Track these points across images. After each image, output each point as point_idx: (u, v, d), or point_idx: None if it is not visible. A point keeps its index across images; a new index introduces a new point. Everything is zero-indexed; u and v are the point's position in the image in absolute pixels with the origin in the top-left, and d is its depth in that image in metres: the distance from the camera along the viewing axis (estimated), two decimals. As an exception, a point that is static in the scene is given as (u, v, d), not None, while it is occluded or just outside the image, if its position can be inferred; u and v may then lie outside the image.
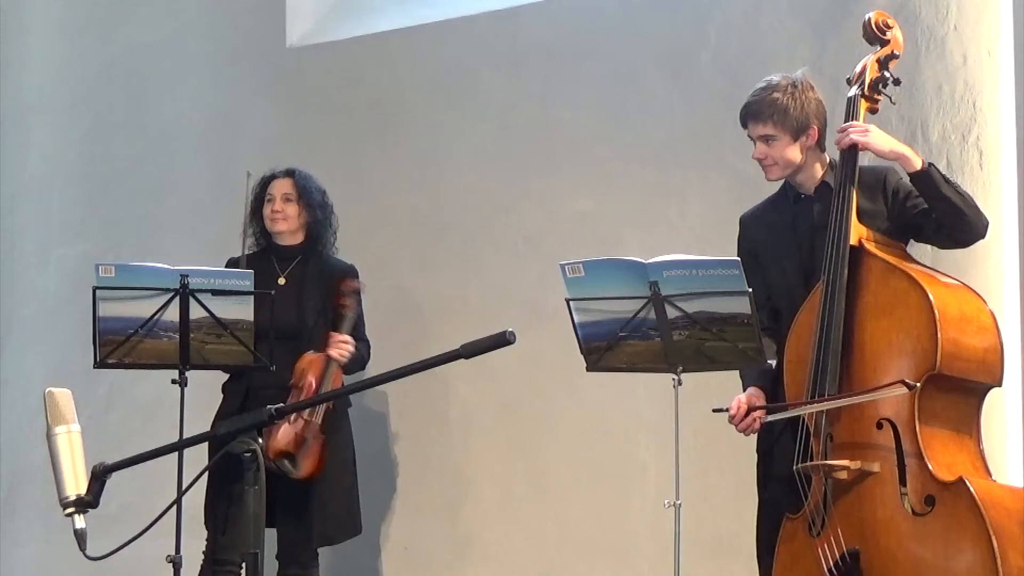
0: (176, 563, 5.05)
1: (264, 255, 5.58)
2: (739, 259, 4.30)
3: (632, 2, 5.88)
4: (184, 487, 5.03)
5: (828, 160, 4.40)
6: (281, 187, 5.59)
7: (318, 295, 5.48)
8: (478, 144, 6.17)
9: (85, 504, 2.92)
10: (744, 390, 4.40)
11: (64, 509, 2.94)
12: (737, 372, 4.48)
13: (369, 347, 5.64)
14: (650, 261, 4.31)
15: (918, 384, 3.97)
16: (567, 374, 5.31)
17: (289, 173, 5.62)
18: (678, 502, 4.38)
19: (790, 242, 4.41)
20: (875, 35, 4.34)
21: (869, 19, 4.35)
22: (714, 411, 4.34)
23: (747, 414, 4.29)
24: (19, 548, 7.23)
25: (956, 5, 5.08)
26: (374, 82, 6.46)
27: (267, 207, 5.58)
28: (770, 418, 4.29)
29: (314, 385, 5.30)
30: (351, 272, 5.59)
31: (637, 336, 4.34)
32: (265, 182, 5.63)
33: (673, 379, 4.37)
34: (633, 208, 5.75)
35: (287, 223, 5.57)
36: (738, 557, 5.30)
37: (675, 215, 5.65)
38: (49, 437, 2.97)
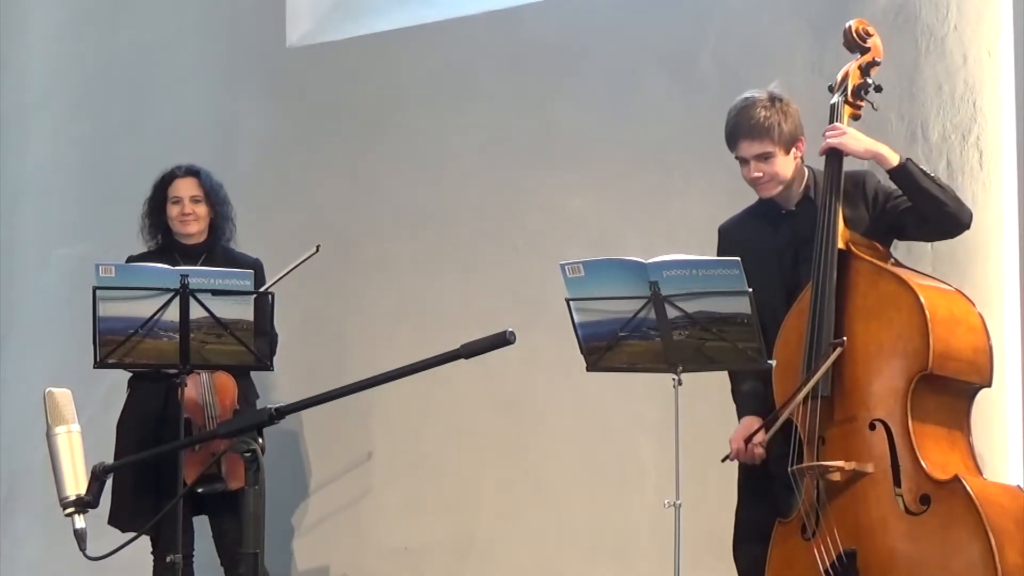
0: (176, 563, 5.05)
1: (166, 252, 5.54)
2: (739, 259, 4.29)
3: (632, 2, 5.87)
4: (184, 487, 5.04)
5: (807, 173, 4.41)
6: (187, 188, 5.56)
7: None
8: (478, 144, 6.17)
9: (85, 504, 2.91)
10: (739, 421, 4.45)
11: (64, 509, 2.93)
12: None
13: (274, 341, 5.49)
14: (650, 261, 4.31)
15: (844, 339, 4.03)
16: (567, 374, 5.31)
17: (193, 172, 5.59)
18: (678, 502, 4.38)
19: (771, 256, 4.42)
20: (856, 43, 4.38)
21: (850, 27, 4.38)
22: (722, 461, 4.38)
23: (747, 445, 4.33)
24: (19, 548, 7.23)
25: (956, 5, 5.08)
26: (374, 82, 6.45)
27: (173, 208, 5.55)
28: (769, 434, 4.32)
29: (198, 405, 5.29)
30: (257, 266, 5.54)
31: (637, 336, 4.34)
32: (166, 181, 5.59)
33: (673, 379, 4.37)
34: (633, 208, 5.75)
35: (197, 224, 5.56)
36: (738, 557, 5.30)
37: (675, 215, 5.65)
38: (49, 437, 2.97)
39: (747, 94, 4.38)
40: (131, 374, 5.47)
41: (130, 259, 5.51)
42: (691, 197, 5.63)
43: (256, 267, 5.51)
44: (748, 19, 5.56)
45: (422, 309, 6.22)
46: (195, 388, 5.29)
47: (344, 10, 6.79)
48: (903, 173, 4.20)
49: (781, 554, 4.20)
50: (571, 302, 4.38)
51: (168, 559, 5.05)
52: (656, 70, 5.75)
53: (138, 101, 7.11)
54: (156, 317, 5.00)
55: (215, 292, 5.01)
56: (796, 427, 4.14)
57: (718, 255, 4.54)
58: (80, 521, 2.93)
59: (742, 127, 4.33)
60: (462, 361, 2.72)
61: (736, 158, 4.40)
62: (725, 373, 4.52)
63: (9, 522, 7.30)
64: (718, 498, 5.33)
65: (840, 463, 4.05)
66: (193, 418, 5.26)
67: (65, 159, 7.33)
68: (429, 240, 6.26)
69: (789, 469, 4.14)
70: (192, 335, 5.02)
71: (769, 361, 4.38)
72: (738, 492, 4.50)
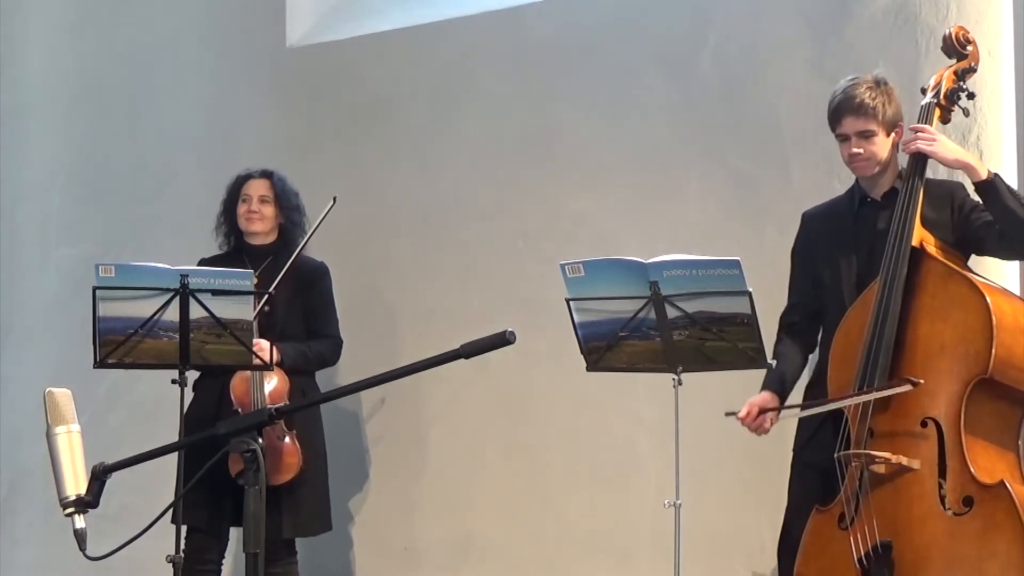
0: (176, 563, 5.05)
1: (236, 255, 5.59)
2: (738, 259, 4.30)
3: (632, 2, 5.87)
4: (184, 487, 5.04)
5: (897, 167, 4.42)
6: (258, 188, 5.61)
7: (290, 293, 5.45)
8: (478, 144, 6.17)
9: (85, 504, 2.92)
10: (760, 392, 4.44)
11: (64, 509, 2.94)
12: (737, 372, 4.49)
13: (335, 344, 5.60)
14: (650, 261, 4.31)
15: (921, 380, 4.01)
16: (567, 374, 5.31)
17: (266, 175, 5.65)
18: (678, 502, 4.39)
19: (850, 244, 4.41)
20: (955, 48, 4.43)
21: (950, 33, 4.43)
22: (726, 415, 4.36)
23: (758, 416, 4.32)
24: (19, 548, 7.23)
25: (956, 5, 5.08)
26: (374, 82, 6.46)
27: (242, 206, 5.61)
28: (786, 416, 4.30)
29: (246, 400, 5.29)
30: (322, 269, 5.61)
31: (637, 336, 4.35)
32: (240, 182, 5.65)
33: (673, 379, 4.38)
34: (633, 208, 5.75)
35: (263, 223, 5.59)
36: (738, 557, 5.31)
37: (675, 215, 5.65)
38: (49, 437, 2.97)
39: (852, 77, 4.40)
40: (198, 374, 5.47)
41: (202, 262, 5.54)
42: (691, 197, 5.63)
43: (322, 270, 5.61)
44: (748, 19, 5.56)
45: (422, 309, 6.22)
46: (245, 382, 5.31)
47: (344, 10, 6.79)
48: (990, 188, 4.20)
49: (815, 541, 4.20)
50: (571, 302, 4.38)
51: (167, 558, 5.05)
52: (656, 70, 5.75)
53: (138, 101, 7.11)
54: (156, 317, 5.01)
55: (215, 292, 5.02)
56: (847, 416, 4.15)
57: (796, 239, 4.55)
58: (80, 521, 2.93)
59: (848, 104, 4.32)
60: (462, 361, 2.72)
61: (837, 135, 4.37)
62: (725, 373, 4.52)
63: (9, 522, 7.30)
64: (718, 498, 5.34)
65: (888, 455, 4.04)
66: (243, 411, 5.27)
67: (65, 159, 7.33)
68: (429, 240, 6.26)
69: (835, 455, 4.13)
70: (192, 335, 5.03)
71: (770, 361, 4.39)
72: (788, 486, 4.49)
